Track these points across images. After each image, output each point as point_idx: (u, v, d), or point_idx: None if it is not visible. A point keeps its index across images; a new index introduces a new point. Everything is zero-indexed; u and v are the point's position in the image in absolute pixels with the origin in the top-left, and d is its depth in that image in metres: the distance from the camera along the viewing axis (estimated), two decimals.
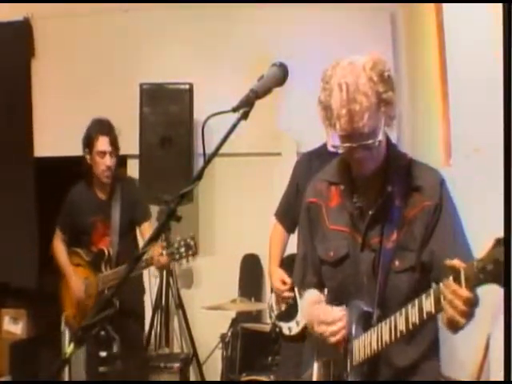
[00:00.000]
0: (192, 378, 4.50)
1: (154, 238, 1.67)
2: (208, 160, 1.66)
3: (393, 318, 1.76)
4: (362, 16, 4.77)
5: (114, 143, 3.69)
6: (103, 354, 3.56)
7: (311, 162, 3.16)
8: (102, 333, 3.44)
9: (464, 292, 1.54)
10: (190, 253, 3.51)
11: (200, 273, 4.91)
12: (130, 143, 4.66)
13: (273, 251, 3.38)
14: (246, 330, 3.90)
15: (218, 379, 4.19)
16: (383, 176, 1.95)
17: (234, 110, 1.72)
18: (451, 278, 1.57)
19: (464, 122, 3.37)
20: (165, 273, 4.47)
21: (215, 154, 1.66)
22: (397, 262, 1.91)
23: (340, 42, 4.70)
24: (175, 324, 4.76)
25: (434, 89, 3.83)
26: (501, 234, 2.35)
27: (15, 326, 4.82)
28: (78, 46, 4.96)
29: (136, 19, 4.93)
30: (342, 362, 1.93)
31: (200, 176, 1.64)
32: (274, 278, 3.28)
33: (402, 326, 1.72)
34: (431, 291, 1.64)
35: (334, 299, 2.03)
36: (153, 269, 4.52)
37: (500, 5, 2.47)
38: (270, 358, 3.68)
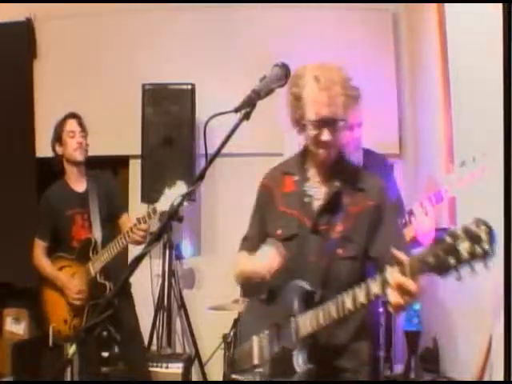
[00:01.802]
0: (194, 378, 4.50)
1: (156, 239, 1.67)
2: (210, 160, 1.67)
3: (340, 297, 1.95)
4: (363, 16, 4.77)
5: (82, 125, 3.80)
6: (105, 354, 3.56)
7: None
8: (104, 333, 3.44)
9: (407, 282, 1.73)
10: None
11: (202, 273, 4.91)
12: (132, 143, 4.68)
13: None
14: None
15: (220, 379, 4.19)
16: (333, 173, 2.19)
17: (236, 110, 1.73)
18: (396, 267, 1.76)
19: (466, 122, 3.37)
20: (167, 273, 4.47)
21: (217, 154, 1.67)
22: (340, 250, 2.13)
23: (341, 42, 4.70)
24: (177, 324, 4.76)
25: (436, 89, 3.83)
26: (501, 234, 2.35)
27: (17, 327, 4.82)
28: (80, 47, 4.97)
29: (138, 20, 4.94)
30: (288, 335, 2.10)
31: (202, 176, 1.65)
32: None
33: (349, 305, 1.91)
34: (377, 277, 1.84)
35: (278, 275, 2.16)
36: (155, 269, 4.55)
37: (500, 5, 2.49)
38: None
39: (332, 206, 2.15)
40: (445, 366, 3.63)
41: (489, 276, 2.85)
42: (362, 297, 1.88)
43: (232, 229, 4.87)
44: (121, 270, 3.46)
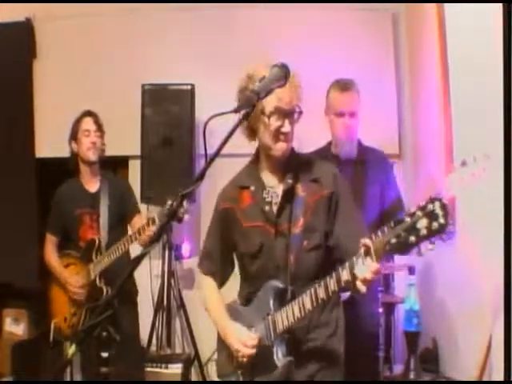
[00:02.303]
0: (193, 378, 4.50)
1: (155, 239, 1.68)
2: (210, 160, 1.67)
3: (313, 288, 2.07)
4: (363, 16, 4.76)
5: (98, 124, 3.80)
6: (105, 354, 3.55)
7: None
8: (104, 334, 3.43)
9: (373, 264, 1.84)
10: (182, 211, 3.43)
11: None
12: (131, 144, 4.67)
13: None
14: None
15: (220, 380, 4.18)
16: (287, 170, 2.28)
17: (236, 110, 1.73)
18: (362, 252, 1.86)
19: (466, 122, 3.37)
20: (166, 274, 4.47)
21: (217, 154, 1.67)
22: (305, 242, 2.24)
23: (341, 43, 4.70)
24: (177, 325, 4.76)
25: (436, 89, 3.82)
26: (501, 234, 2.35)
27: (17, 327, 4.81)
28: (80, 47, 4.96)
29: (137, 20, 4.93)
30: (265, 333, 2.23)
31: (202, 176, 1.65)
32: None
33: (322, 295, 2.04)
34: (346, 265, 1.95)
35: (251, 284, 2.35)
36: (154, 269, 4.55)
37: (500, 5, 2.49)
38: None
39: (289, 203, 2.25)
40: (444, 366, 3.63)
41: (489, 276, 2.85)
42: (333, 285, 2.00)
43: None
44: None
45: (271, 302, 2.23)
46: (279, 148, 2.23)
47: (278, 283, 2.24)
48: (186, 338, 4.70)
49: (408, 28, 4.72)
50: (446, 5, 3.63)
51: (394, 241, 1.75)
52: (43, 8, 4.89)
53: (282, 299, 2.22)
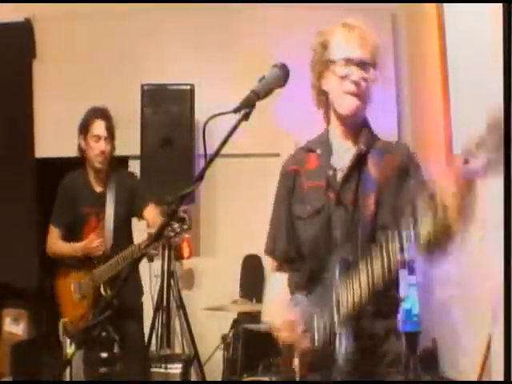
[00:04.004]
0: (193, 378, 4.50)
1: (155, 239, 1.68)
2: (209, 161, 1.66)
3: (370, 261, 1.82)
4: (362, 16, 4.76)
5: (110, 129, 3.64)
6: (104, 354, 3.55)
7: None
8: (103, 334, 3.44)
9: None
10: (185, 227, 3.35)
11: (201, 274, 4.91)
12: (131, 144, 4.67)
13: None
14: (247, 330, 3.90)
15: (220, 380, 4.19)
16: (358, 137, 2.08)
17: (235, 111, 1.72)
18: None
19: (465, 122, 3.37)
20: (166, 274, 4.47)
21: (216, 154, 1.66)
22: (371, 218, 1.98)
23: None
24: (176, 325, 4.76)
25: (435, 88, 3.83)
26: (501, 234, 2.35)
27: (16, 327, 4.81)
28: (80, 47, 4.97)
29: (137, 20, 4.94)
30: (329, 313, 1.93)
31: (201, 177, 1.64)
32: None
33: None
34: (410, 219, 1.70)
35: (305, 253, 2.08)
36: (154, 269, 4.55)
37: (500, 5, 2.48)
38: (271, 359, 3.68)
39: (358, 173, 2.02)
40: (444, 366, 3.63)
41: (489, 276, 2.85)
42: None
43: (231, 229, 4.91)
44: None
45: (337, 273, 1.93)
46: (347, 104, 2.04)
47: (344, 255, 1.95)
48: (185, 338, 4.70)
49: (408, 28, 4.72)
50: (445, 5, 3.64)
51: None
52: (43, 8, 4.89)
53: (347, 271, 1.91)
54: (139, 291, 3.90)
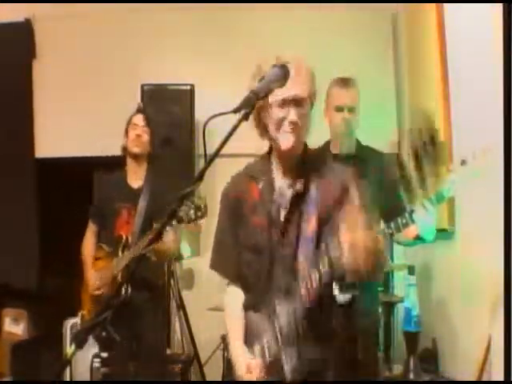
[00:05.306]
0: (193, 378, 4.50)
1: (154, 239, 1.67)
2: (209, 161, 1.66)
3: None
4: (362, 16, 4.77)
5: (147, 121, 3.84)
6: (104, 354, 3.56)
7: None
8: (103, 334, 3.43)
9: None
10: (199, 214, 3.33)
11: (201, 274, 4.90)
12: None
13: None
14: None
15: (220, 380, 4.19)
16: (299, 170, 2.13)
17: (235, 111, 1.72)
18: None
19: (465, 122, 3.37)
20: (166, 274, 4.47)
21: (216, 154, 1.67)
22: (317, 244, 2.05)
23: (341, 43, 4.70)
24: (176, 325, 4.76)
25: (435, 90, 3.83)
26: (501, 234, 2.35)
27: (16, 327, 4.82)
28: (79, 47, 4.96)
29: (137, 20, 4.93)
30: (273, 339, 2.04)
31: (201, 177, 1.64)
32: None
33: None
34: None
35: (247, 287, 2.18)
36: None
37: (500, 5, 2.49)
38: None
39: (299, 207, 2.09)
40: (444, 366, 3.63)
41: (489, 276, 2.85)
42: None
43: None
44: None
45: (275, 300, 2.05)
46: (287, 140, 2.07)
47: (282, 280, 2.06)
48: (185, 338, 4.70)
49: (407, 28, 4.72)
50: (445, 5, 3.64)
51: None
52: (43, 8, 4.89)
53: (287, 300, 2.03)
54: (163, 326, 3.98)
